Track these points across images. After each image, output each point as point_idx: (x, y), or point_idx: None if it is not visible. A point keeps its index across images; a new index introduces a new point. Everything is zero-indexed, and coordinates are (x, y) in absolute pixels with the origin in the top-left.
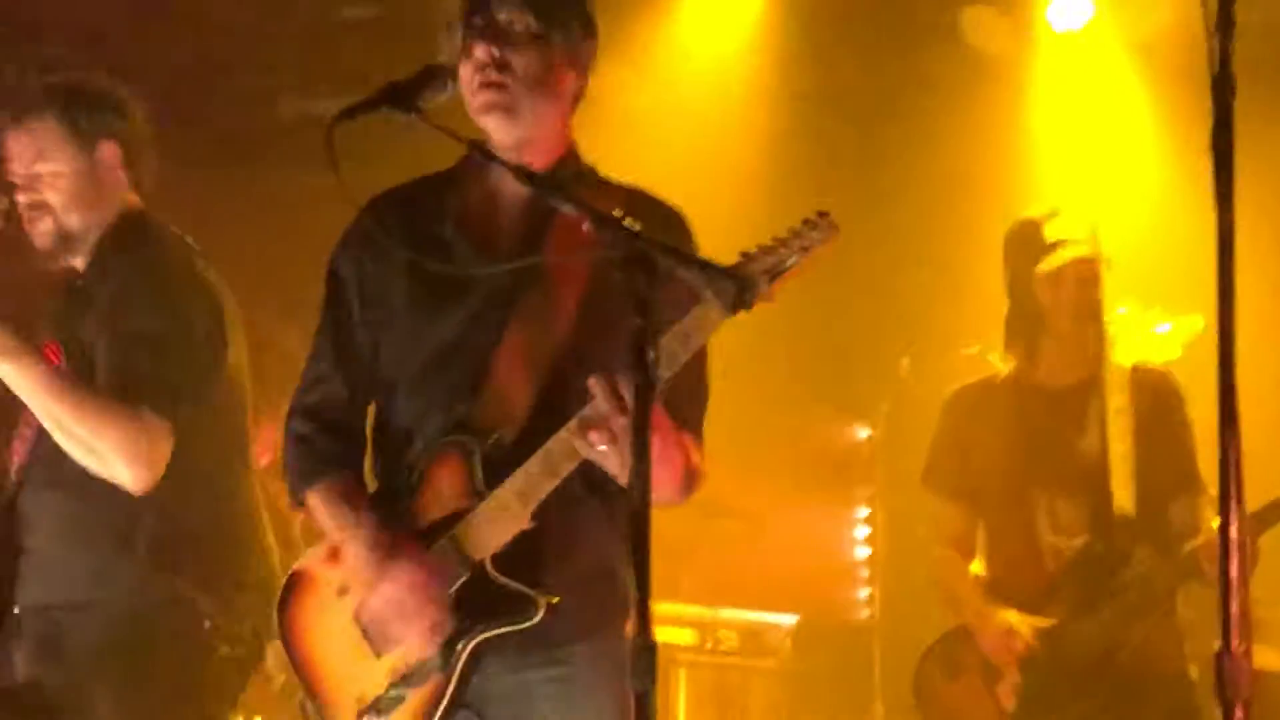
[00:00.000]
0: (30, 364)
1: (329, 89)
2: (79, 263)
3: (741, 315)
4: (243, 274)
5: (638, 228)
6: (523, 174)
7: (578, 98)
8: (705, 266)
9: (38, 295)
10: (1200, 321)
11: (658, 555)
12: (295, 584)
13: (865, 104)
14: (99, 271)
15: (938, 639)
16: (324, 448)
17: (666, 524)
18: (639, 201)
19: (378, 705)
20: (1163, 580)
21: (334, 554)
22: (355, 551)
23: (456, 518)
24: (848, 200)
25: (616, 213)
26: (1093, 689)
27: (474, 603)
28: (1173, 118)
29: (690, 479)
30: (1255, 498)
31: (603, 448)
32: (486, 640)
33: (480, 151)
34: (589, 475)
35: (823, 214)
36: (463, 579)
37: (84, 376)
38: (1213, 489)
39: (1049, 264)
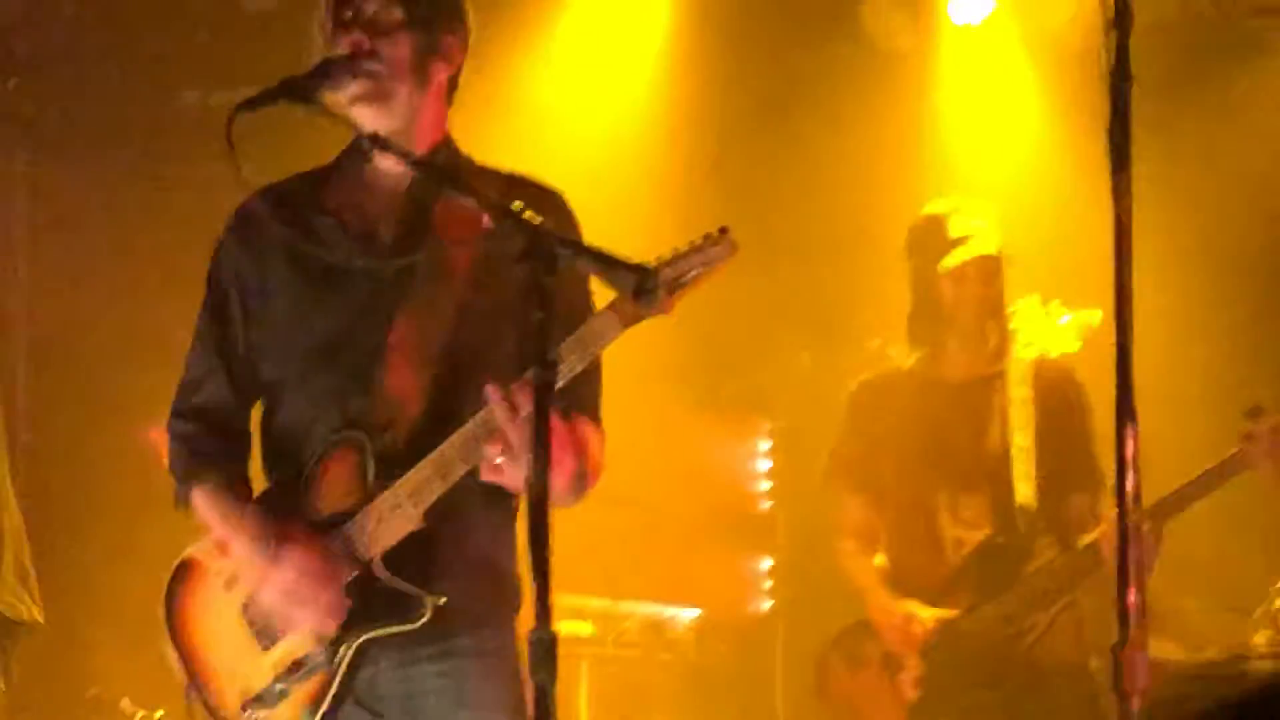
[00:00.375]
0: None
1: (230, 81)
2: None
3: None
4: (142, 264)
5: (538, 220)
6: (421, 166)
7: (451, 87)
8: (608, 261)
9: None
10: (1099, 315)
11: (558, 547)
12: (183, 573)
13: (769, 97)
14: None
15: (840, 631)
16: (207, 447)
17: (567, 515)
18: (519, 187)
19: (262, 698)
20: (1064, 572)
21: (223, 546)
22: (242, 544)
23: (348, 515)
24: (751, 193)
25: (517, 205)
26: (993, 679)
27: (361, 601)
28: (1071, 112)
29: (582, 480)
30: (1154, 490)
31: (499, 460)
32: (373, 638)
33: (376, 141)
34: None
35: (723, 230)
36: (351, 576)
37: None
38: (1112, 481)
39: (952, 260)
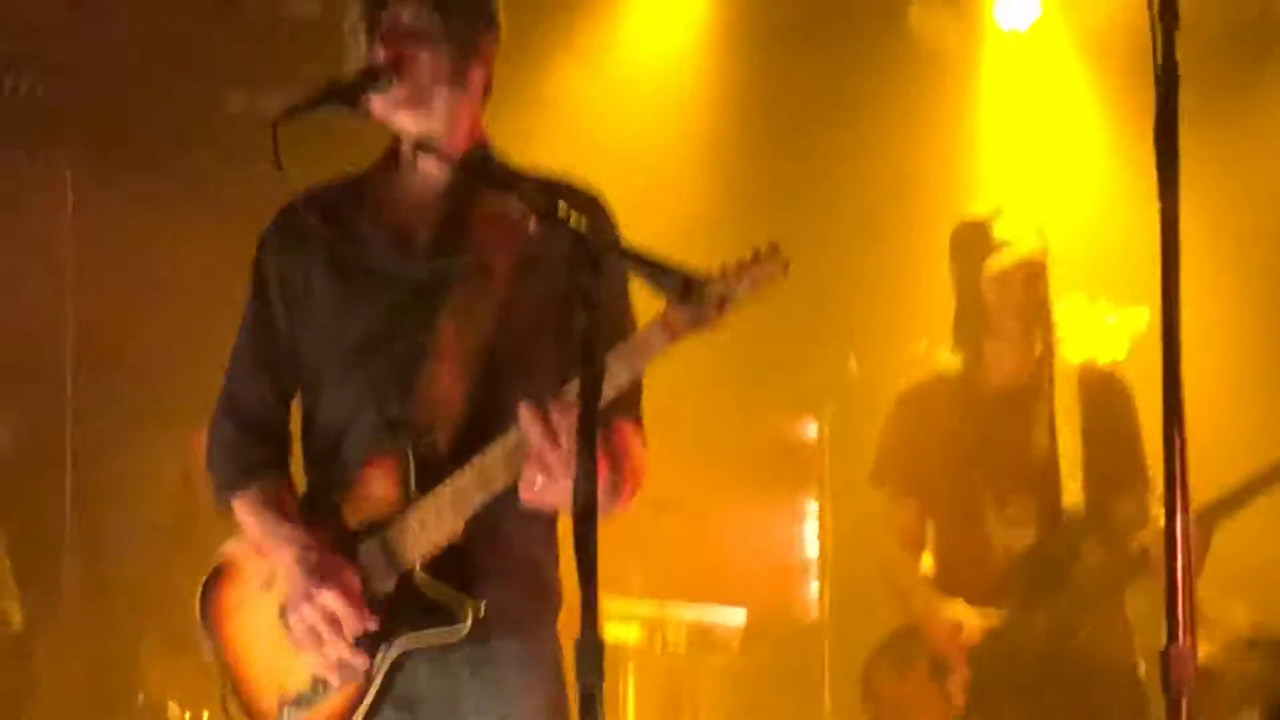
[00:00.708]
0: None
1: (274, 86)
2: None
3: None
4: (189, 269)
5: (584, 224)
6: (468, 169)
7: (486, 91)
8: (654, 264)
9: None
10: (1145, 313)
11: (603, 550)
12: (220, 573)
13: (813, 101)
14: None
15: (887, 636)
16: (249, 452)
17: (613, 518)
18: (558, 189)
19: (299, 699)
20: (1111, 575)
21: (261, 548)
22: (284, 567)
23: (387, 520)
24: (796, 194)
25: (562, 206)
26: (1041, 683)
27: (401, 607)
28: (1118, 114)
29: (617, 489)
30: (1203, 493)
31: (538, 482)
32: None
33: (419, 145)
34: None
35: (773, 246)
36: (392, 583)
37: None
38: (1160, 484)
39: (996, 264)
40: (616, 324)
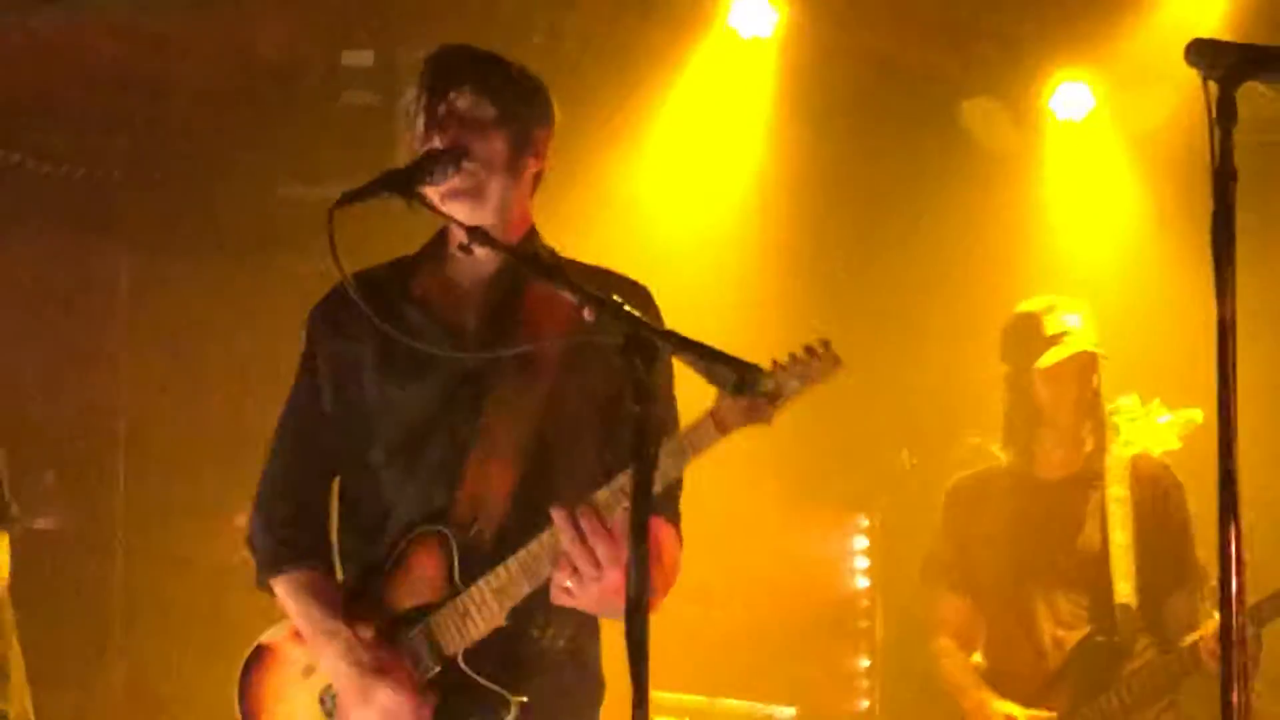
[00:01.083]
0: None
1: (329, 174)
2: None
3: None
4: (242, 359)
5: (637, 313)
6: (523, 259)
7: (537, 180)
8: (709, 354)
9: None
10: (1200, 415)
11: (655, 642)
12: (258, 658)
13: (867, 193)
14: None
15: None
16: (290, 533)
17: (665, 612)
18: (604, 279)
19: None
20: (1164, 672)
21: (299, 633)
22: (331, 662)
23: (430, 607)
24: (850, 290)
25: (616, 297)
26: None
27: (443, 698)
28: (1170, 209)
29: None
30: (1255, 590)
31: (568, 584)
32: None
33: (475, 235)
34: None
35: (825, 343)
36: (434, 673)
37: None
38: (1214, 580)
39: (1048, 359)
40: (665, 417)
